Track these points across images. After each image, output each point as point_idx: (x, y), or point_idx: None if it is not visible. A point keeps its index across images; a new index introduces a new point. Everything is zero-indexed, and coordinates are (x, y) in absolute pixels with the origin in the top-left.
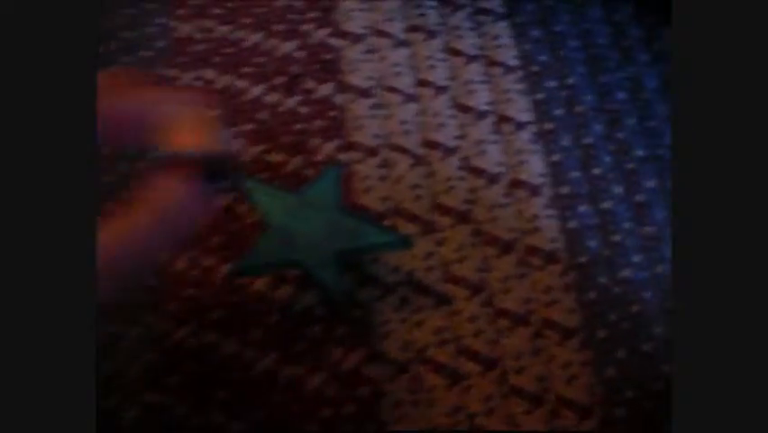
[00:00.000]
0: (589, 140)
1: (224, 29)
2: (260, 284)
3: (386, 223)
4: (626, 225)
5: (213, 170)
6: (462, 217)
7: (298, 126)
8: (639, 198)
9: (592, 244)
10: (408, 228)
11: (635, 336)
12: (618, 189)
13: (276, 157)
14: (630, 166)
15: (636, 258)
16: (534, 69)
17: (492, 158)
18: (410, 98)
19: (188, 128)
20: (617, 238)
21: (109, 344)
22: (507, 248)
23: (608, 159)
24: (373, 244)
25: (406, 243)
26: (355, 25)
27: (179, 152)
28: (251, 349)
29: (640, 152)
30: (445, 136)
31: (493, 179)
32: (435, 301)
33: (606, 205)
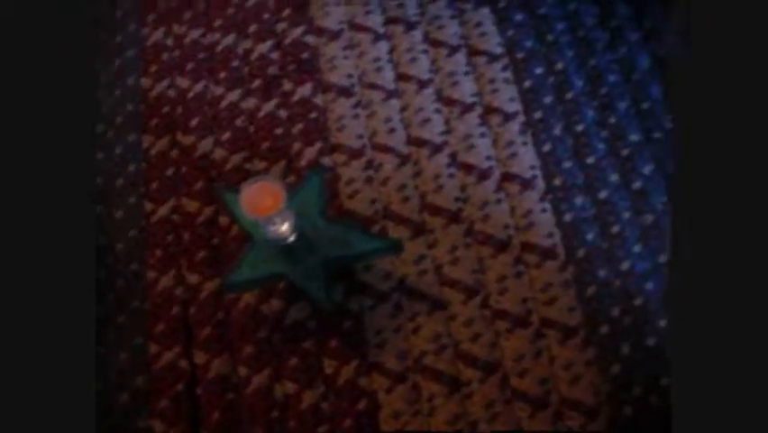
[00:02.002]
0: (581, 127)
1: (196, 33)
2: (248, 298)
3: (375, 227)
4: (625, 214)
5: None
6: (454, 217)
7: (279, 131)
8: (636, 185)
9: (590, 236)
10: (399, 231)
11: (639, 330)
12: (614, 177)
13: (257, 165)
14: (625, 152)
15: (636, 248)
16: (520, 55)
17: (481, 152)
18: (392, 94)
19: None
20: (615, 229)
21: (98, 367)
22: (501, 246)
23: (601, 146)
24: (362, 251)
25: (396, 248)
26: (332, 21)
27: None
28: (243, 367)
29: (635, 137)
30: (431, 132)
31: (483, 175)
32: (430, 306)
33: (602, 195)
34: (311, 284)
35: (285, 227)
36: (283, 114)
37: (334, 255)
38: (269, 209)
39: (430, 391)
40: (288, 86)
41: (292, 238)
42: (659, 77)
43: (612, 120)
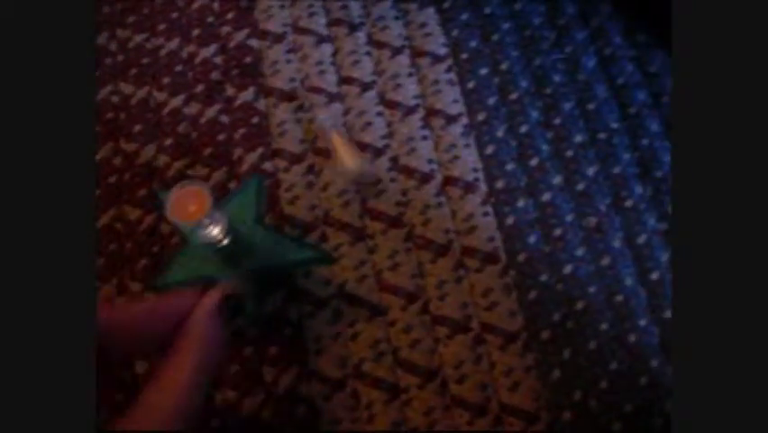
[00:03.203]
0: (525, 128)
1: (140, 38)
2: None
3: (315, 233)
4: (568, 217)
5: None
6: (394, 222)
7: (221, 137)
8: (580, 186)
9: (532, 240)
10: (339, 237)
11: (581, 334)
12: (558, 179)
13: (200, 171)
14: (569, 153)
15: (579, 252)
16: (465, 56)
17: (423, 155)
18: (335, 98)
19: None
20: (558, 232)
21: None
22: (442, 251)
23: (545, 147)
24: (292, 261)
25: (326, 259)
26: (276, 23)
27: None
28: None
29: (579, 138)
30: (373, 136)
31: (425, 179)
32: (370, 313)
33: (545, 197)
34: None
35: (216, 231)
36: (225, 119)
37: (266, 263)
38: (193, 215)
39: (369, 398)
40: (230, 91)
41: (225, 242)
42: (604, 76)
43: (557, 121)
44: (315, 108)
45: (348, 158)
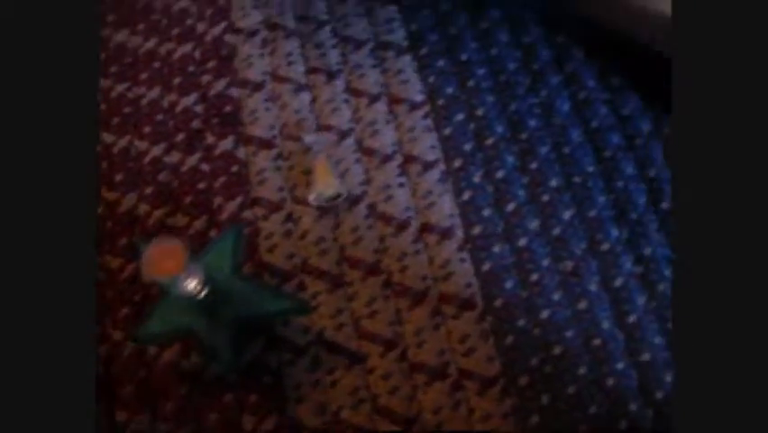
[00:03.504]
0: (501, 173)
1: (121, 87)
2: (169, 355)
3: (293, 281)
4: (544, 261)
5: None
6: (372, 269)
7: (201, 185)
8: (556, 231)
9: (509, 285)
10: (317, 285)
11: (559, 379)
12: (534, 224)
13: (180, 220)
14: (545, 198)
15: (556, 296)
16: (441, 102)
17: (400, 203)
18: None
19: None
20: (534, 277)
21: None
22: (419, 298)
23: (521, 192)
24: (269, 312)
25: (303, 310)
26: (255, 72)
27: None
28: (163, 423)
29: (555, 182)
30: (351, 183)
31: (402, 226)
32: (348, 360)
33: (521, 242)
34: (218, 341)
35: (193, 284)
36: (206, 167)
37: (243, 313)
38: (170, 270)
39: None
40: (210, 139)
41: (203, 294)
42: (579, 120)
43: (533, 165)
44: (293, 156)
45: (324, 182)
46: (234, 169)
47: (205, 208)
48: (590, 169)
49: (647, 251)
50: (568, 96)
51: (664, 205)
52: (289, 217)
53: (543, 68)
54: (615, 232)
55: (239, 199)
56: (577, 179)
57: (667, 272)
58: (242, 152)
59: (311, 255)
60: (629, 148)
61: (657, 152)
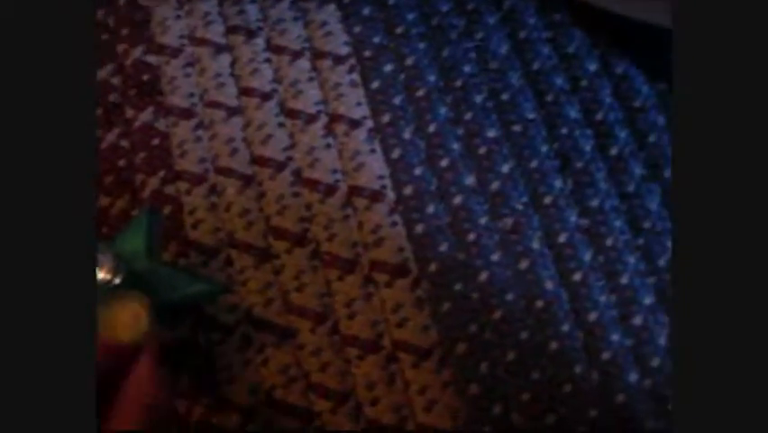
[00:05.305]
0: (433, 127)
1: None
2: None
3: (220, 257)
4: (482, 220)
5: None
6: (299, 239)
7: (121, 162)
8: (494, 186)
9: (444, 247)
10: (243, 259)
11: (499, 346)
12: (470, 180)
13: (102, 200)
14: (482, 150)
15: (495, 257)
16: (368, 54)
17: (326, 166)
18: (235, 112)
19: None
20: (471, 237)
21: None
22: (349, 267)
23: (456, 146)
24: (185, 295)
25: (220, 290)
26: (172, 36)
27: None
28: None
29: (492, 132)
30: (274, 149)
31: (329, 191)
32: (278, 337)
33: (457, 200)
34: None
35: (103, 273)
36: (125, 143)
37: (163, 299)
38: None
39: (282, 427)
40: (130, 113)
41: (117, 281)
42: (519, 62)
43: (468, 116)
44: (215, 124)
45: None
46: (155, 142)
47: (126, 187)
48: (531, 116)
49: (594, 202)
50: (506, 37)
51: (613, 151)
52: (213, 190)
53: (478, 6)
54: (558, 183)
55: (161, 174)
56: (516, 128)
57: (618, 223)
58: (162, 124)
59: (237, 229)
60: (574, 90)
61: (605, 92)
